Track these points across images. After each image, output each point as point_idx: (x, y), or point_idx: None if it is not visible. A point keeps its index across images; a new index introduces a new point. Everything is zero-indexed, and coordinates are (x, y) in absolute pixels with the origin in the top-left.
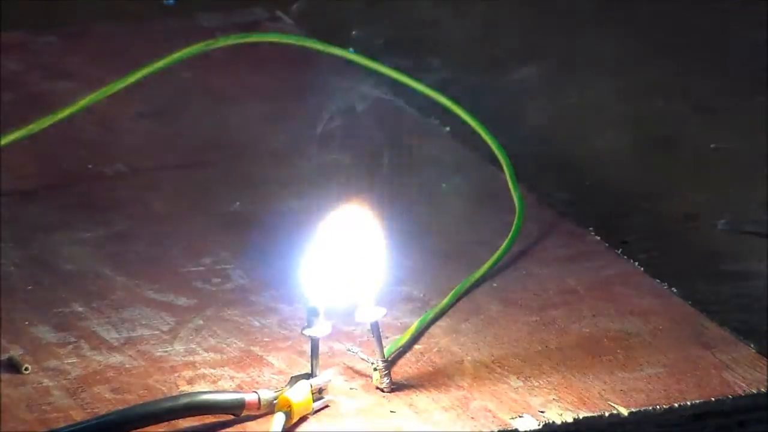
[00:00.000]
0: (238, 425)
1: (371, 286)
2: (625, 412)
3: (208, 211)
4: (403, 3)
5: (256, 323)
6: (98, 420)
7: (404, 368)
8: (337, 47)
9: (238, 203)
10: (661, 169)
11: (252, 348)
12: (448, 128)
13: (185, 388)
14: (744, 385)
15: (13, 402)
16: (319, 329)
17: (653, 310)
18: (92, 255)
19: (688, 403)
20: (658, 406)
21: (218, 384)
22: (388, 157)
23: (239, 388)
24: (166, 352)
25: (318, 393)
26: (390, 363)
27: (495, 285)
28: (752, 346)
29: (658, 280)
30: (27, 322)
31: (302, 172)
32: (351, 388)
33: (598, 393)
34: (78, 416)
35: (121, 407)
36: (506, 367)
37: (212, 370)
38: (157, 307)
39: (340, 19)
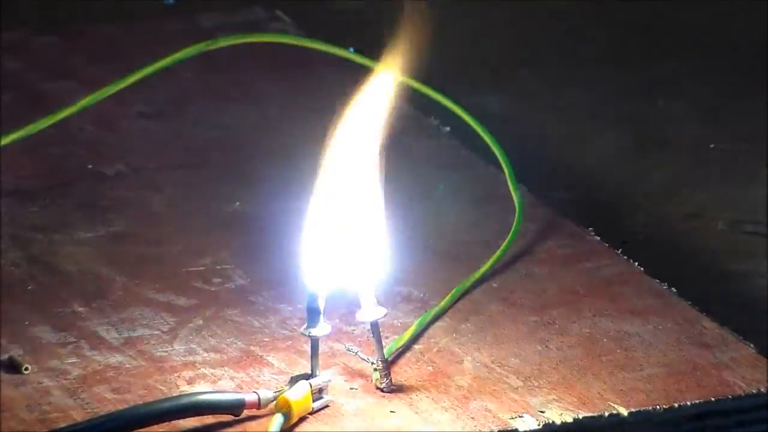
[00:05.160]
0: (238, 425)
1: (371, 284)
2: (625, 412)
3: (208, 211)
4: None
5: (256, 323)
6: (98, 420)
7: (404, 368)
8: (337, 47)
9: (238, 203)
10: (661, 169)
11: (252, 348)
12: (448, 128)
13: (185, 388)
14: (744, 385)
15: (13, 402)
16: (319, 329)
17: (653, 310)
18: (92, 255)
19: (688, 403)
20: (658, 406)
21: (218, 384)
22: (387, 157)
23: (239, 388)
24: (166, 352)
25: (318, 393)
26: (390, 363)
27: (495, 285)
28: (752, 346)
29: (658, 280)
30: (27, 322)
31: (302, 172)
32: (351, 388)
33: (598, 393)
34: (78, 416)
35: (121, 407)
36: (506, 367)
37: (212, 370)
38: (157, 307)
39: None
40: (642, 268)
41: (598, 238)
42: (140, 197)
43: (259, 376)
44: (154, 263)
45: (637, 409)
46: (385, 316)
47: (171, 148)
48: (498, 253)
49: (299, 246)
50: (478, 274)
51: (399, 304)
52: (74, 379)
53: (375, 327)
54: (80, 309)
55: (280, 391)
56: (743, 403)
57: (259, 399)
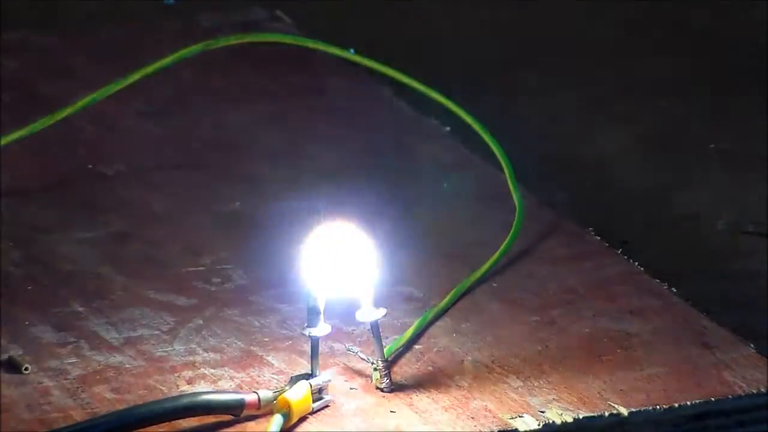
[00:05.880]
0: (238, 425)
1: (370, 285)
2: (625, 412)
3: (208, 211)
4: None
5: (256, 323)
6: (98, 420)
7: (404, 368)
8: (337, 47)
9: (238, 203)
10: (661, 169)
11: (252, 348)
12: (448, 128)
13: (185, 388)
14: (744, 385)
15: (13, 402)
16: (319, 329)
17: (653, 310)
18: (92, 255)
19: (688, 403)
20: (658, 406)
21: (218, 384)
22: (388, 157)
23: (239, 388)
24: (166, 352)
25: (318, 393)
26: (390, 363)
27: (495, 285)
28: (752, 346)
29: (658, 280)
30: (27, 322)
31: (302, 172)
32: (351, 388)
33: (598, 393)
34: (78, 416)
35: (121, 407)
36: (506, 367)
37: (212, 370)
38: (157, 307)
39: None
40: (642, 268)
41: (598, 238)
42: (140, 197)
43: (259, 376)
44: (154, 263)
45: (637, 409)
46: (385, 316)
47: (171, 148)
48: (498, 253)
49: (299, 247)
50: (478, 274)
51: (399, 304)
52: (74, 379)
53: (375, 327)
54: (80, 309)
55: (280, 391)
56: (743, 403)
57: (259, 399)
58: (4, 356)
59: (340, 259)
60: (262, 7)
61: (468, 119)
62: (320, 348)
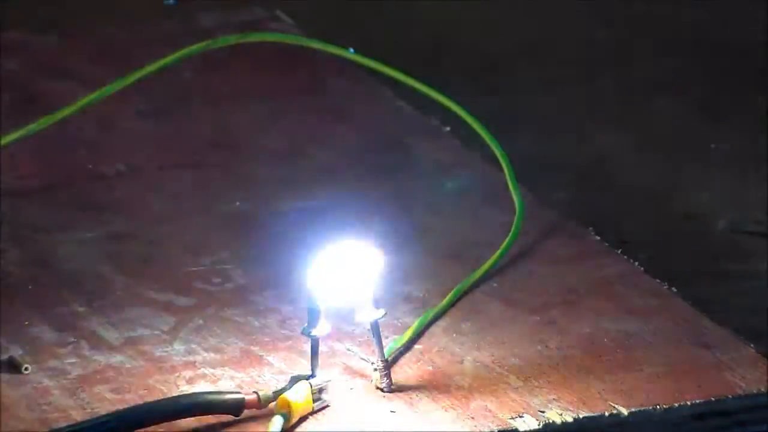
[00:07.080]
0: (238, 425)
1: (370, 286)
2: (625, 412)
3: (208, 211)
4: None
5: (256, 323)
6: (98, 420)
7: (404, 368)
8: (337, 47)
9: (238, 203)
10: (661, 169)
11: (252, 348)
12: (448, 128)
13: (185, 388)
14: (744, 385)
15: (13, 402)
16: (319, 329)
17: (653, 310)
18: (92, 255)
19: (688, 403)
20: (658, 406)
21: (218, 384)
22: (388, 157)
23: (239, 388)
24: (166, 352)
25: (318, 393)
26: (390, 363)
27: (495, 285)
28: (752, 346)
29: (658, 280)
30: (27, 322)
31: (302, 172)
32: (351, 388)
33: (598, 393)
34: (78, 416)
35: (121, 407)
36: (506, 367)
37: (212, 370)
38: (157, 307)
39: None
40: (642, 268)
41: (598, 238)
42: (140, 197)
43: (259, 376)
44: (154, 263)
45: (637, 409)
46: (384, 316)
47: (171, 148)
48: (498, 253)
49: (303, 251)
50: (478, 274)
51: (399, 304)
52: (74, 379)
53: (375, 327)
54: (80, 309)
55: (280, 391)
56: (743, 403)
57: (259, 399)
58: (4, 356)
59: (343, 265)
60: (262, 7)
61: (468, 119)
62: (320, 348)
